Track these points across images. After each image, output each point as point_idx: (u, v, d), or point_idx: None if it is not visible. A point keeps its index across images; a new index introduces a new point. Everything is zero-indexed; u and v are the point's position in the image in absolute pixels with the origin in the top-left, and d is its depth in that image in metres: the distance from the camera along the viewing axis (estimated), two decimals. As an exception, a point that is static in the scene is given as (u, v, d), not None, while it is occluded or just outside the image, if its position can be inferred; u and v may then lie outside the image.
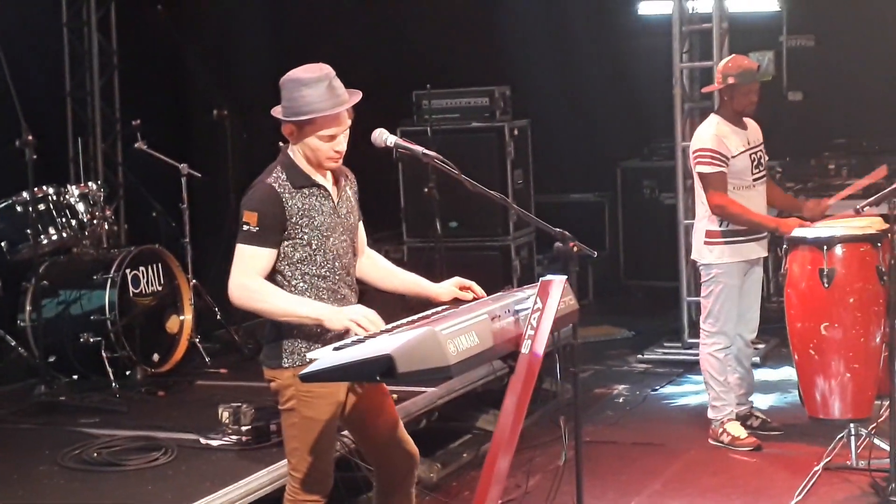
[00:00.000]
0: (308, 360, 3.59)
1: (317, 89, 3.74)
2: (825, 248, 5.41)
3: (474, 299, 3.99)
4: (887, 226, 5.32)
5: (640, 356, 8.24)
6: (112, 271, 6.42)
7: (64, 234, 6.76)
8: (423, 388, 5.74)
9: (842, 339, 5.40)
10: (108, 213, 7.11)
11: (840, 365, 5.43)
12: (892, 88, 7.92)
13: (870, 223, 5.52)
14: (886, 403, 5.30)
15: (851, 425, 5.50)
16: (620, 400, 7.28)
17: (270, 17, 9.61)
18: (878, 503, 5.05)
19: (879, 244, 5.37)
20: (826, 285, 5.38)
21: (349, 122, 3.83)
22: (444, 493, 5.54)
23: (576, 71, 9.92)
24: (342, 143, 3.83)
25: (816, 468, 5.39)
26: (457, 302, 3.98)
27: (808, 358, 5.51)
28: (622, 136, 10.03)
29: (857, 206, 5.58)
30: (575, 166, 10.09)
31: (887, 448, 5.11)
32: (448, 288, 4.02)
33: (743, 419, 6.12)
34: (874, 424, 5.54)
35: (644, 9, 9.75)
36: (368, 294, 4.22)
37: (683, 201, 7.86)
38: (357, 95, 3.83)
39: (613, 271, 10.11)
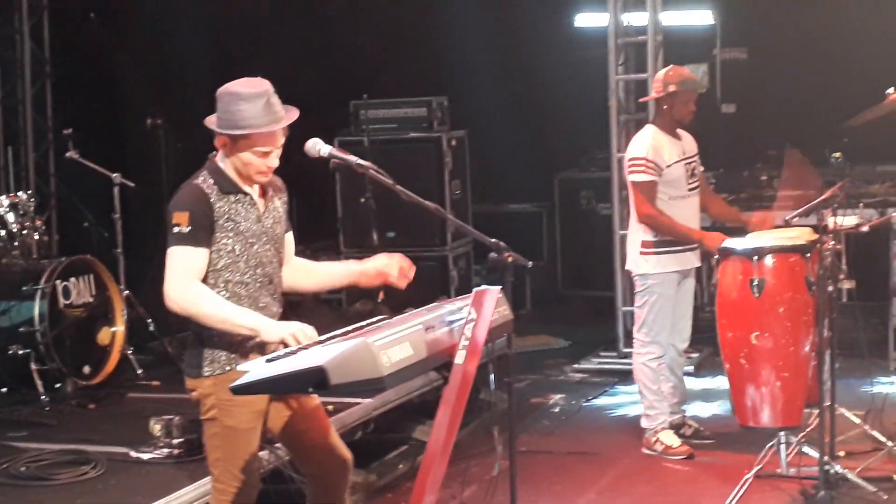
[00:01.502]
0: (228, 369, 3.60)
1: (255, 105, 3.73)
2: (755, 258, 5.47)
3: (403, 276, 4.03)
4: (816, 236, 5.40)
5: (576, 366, 8.29)
6: (42, 282, 6.34)
7: (-8, 245, 6.71)
8: (358, 400, 5.71)
9: (772, 348, 5.46)
10: (38, 223, 7.03)
11: (770, 374, 5.48)
12: (823, 101, 8.05)
13: (799, 234, 5.60)
14: (816, 412, 5.38)
15: (781, 433, 5.55)
16: (556, 409, 7.31)
17: (207, 26, 9.56)
18: None
19: (808, 255, 5.44)
20: (756, 295, 5.43)
21: (283, 140, 3.82)
22: (379, 502, 5.54)
23: (514, 82, 9.99)
24: (274, 160, 3.82)
25: (747, 476, 5.42)
26: (387, 282, 4.02)
27: (739, 367, 5.57)
28: (560, 146, 10.12)
29: (787, 217, 5.66)
30: (513, 177, 10.12)
31: (816, 456, 5.18)
32: (373, 266, 4.03)
33: (676, 428, 6.18)
34: (804, 433, 5.59)
35: (580, 21, 9.85)
36: (304, 306, 4.22)
37: (619, 212, 7.93)
38: (294, 113, 3.83)
39: (551, 281, 10.16)
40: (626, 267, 6.35)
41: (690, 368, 7.18)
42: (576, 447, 6.40)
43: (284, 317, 3.97)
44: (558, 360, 8.49)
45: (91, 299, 6.61)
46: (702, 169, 6.26)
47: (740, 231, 5.99)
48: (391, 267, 4.00)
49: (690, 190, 6.08)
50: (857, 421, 5.98)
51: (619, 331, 8.29)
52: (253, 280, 3.85)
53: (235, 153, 3.78)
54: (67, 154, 7.47)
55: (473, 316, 3.74)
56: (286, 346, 3.59)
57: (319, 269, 4.21)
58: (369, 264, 4.02)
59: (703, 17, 9.67)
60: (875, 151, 7.34)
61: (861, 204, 6.84)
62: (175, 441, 5.09)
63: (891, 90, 5.74)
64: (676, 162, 6.00)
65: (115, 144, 8.27)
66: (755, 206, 6.65)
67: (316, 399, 4.04)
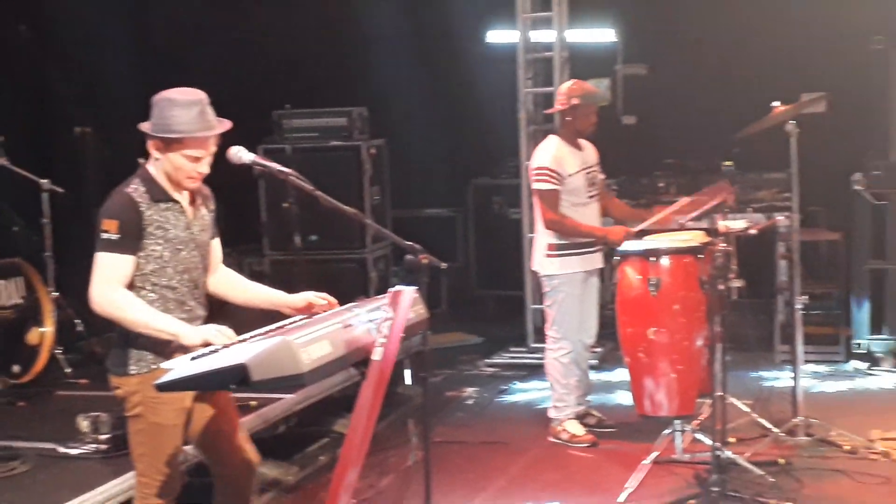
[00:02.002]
0: (154, 368, 3.56)
1: (189, 112, 3.71)
2: (652, 259, 5.56)
3: (329, 307, 3.97)
4: (708, 239, 5.49)
5: (488, 360, 8.31)
6: (-29, 285, 6.24)
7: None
8: (281, 395, 5.67)
9: (668, 342, 5.53)
10: (-32, 228, 6.90)
11: (666, 366, 5.55)
12: (716, 114, 8.17)
13: (693, 237, 5.67)
14: (708, 401, 5.48)
15: (677, 422, 5.63)
16: (470, 402, 7.32)
17: (134, 39, 9.44)
18: (701, 493, 5.14)
19: (701, 256, 5.52)
20: (653, 293, 5.52)
21: (214, 149, 3.80)
22: (301, 494, 5.49)
23: (430, 94, 9.97)
24: (205, 166, 3.80)
25: (645, 462, 5.48)
26: (312, 312, 3.96)
27: (638, 360, 5.64)
28: (473, 155, 10.16)
29: (681, 221, 5.74)
30: (429, 183, 10.13)
31: (709, 442, 5.25)
32: (301, 297, 3.99)
33: (581, 418, 6.22)
34: (697, 421, 5.69)
35: (491, 37, 9.87)
36: (228, 308, 4.18)
37: (528, 216, 7.96)
38: (227, 124, 3.81)
39: (465, 281, 10.18)
40: (533, 268, 6.40)
41: (594, 362, 7.22)
42: (488, 437, 6.41)
43: (213, 313, 3.95)
44: (472, 355, 8.51)
45: (20, 301, 6.48)
46: (602, 177, 6.32)
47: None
48: (317, 300, 3.95)
49: (590, 197, 6.15)
50: (746, 409, 6.08)
51: (529, 327, 8.34)
52: (180, 284, 3.82)
53: (167, 157, 3.74)
54: (-1, 160, 7.35)
55: (390, 315, 3.74)
56: (210, 344, 3.57)
57: (250, 287, 4.15)
58: (298, 298, 3.97)
59: (605, 35, 9.76)
60: (762, 160, 7.46)
61: (749, 209, 6.97)
62: (102, 437, 5.01)
63: (776, 104, 5.86)
64: (577, 172, 6.06)
65: (45, 152, 8.10)
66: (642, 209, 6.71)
67: (231, 402, 4.02)
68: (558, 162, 6.00)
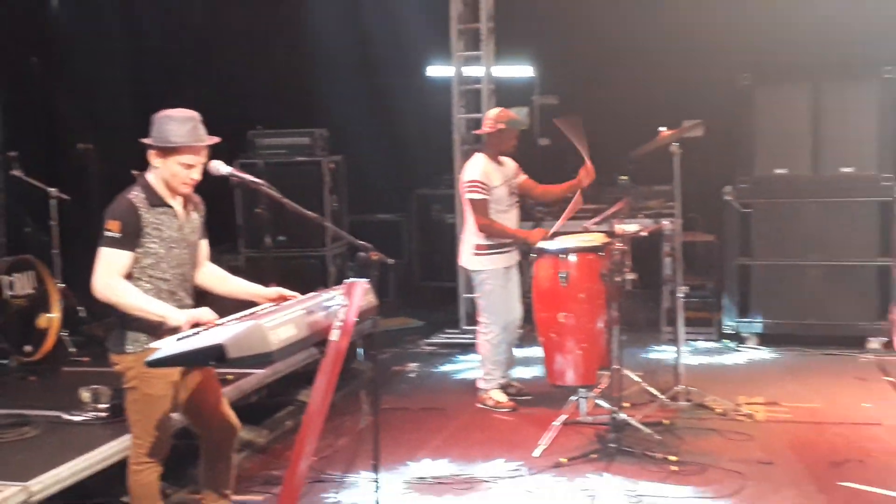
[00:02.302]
0: (147, 347, 3.52)
1: (184, 126, 3.72)
2: (563, 256, 5.59)
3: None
4: (608, 240, 5.54)
5: (427, 341, 8.28)
6: (-9, 277, 6.10)
7: (-53, 248, 6.45)
8: (254, 370, 5.59)
9: (574, 325, 5.55)
10: (-13, 229, 6.80)
11: (573, 344, 5.57)
12: (614, 136, 8.04)
13: (595, 238, 5.70)
14: (607, 373, 5.52)
15: (581, 390, 5.68)
16: (412, 375, 7.30)
17: (130, 68, 9.31)
18: (601, 448, 5.19)
19: (602, 253, 5.54)
20: (563, 284, 5.55)
21: (205, 159, 3.79)
22: (270, 454, 5.44)
23: (380, 117, 9.94)
24: (197, 173, 3.79)
25: (556, 423, 5.53)
26: (281, 300, 3.95)
27: (550, 340, 5.65)
28: (415, 169, 10.09)
29: (586, 225, 5.80)
30: (379, 193, 10.04)
31: (608, 406, 5.33)
32: (270, 290, 3.98)
33: (504, 388, 6.25)
34: (598, 389, 5.73)
35: (431, 72, 9.88)
36: (211, 297, 4.15)
37: (460, 221, 7.96)
38: (215, 139, 3.81)
39: (409, 275, 10.13)
40: (461, 264, 6.39)
41: (518, 341, 7.25)
42: (427, 404, 6.40)
43: (198, 302, 3.92)
44: (414, 336, 8.47)
45: (32, 291, 6.35)
46: (523, 178, 6.32)
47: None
48: (281, 295, 3.94)
49: (510, 206, 6.18)
50: (638, 380, 6.15)
51: (461, 313, 8.33)
52: (173, 277, 3.80)
53: (165, 165, 3.73)
54: (12, 172, 7.23)
55: (345, 302, 3.74)
56: (196, 327, 3.55)
57: (231, 281, 4.12)
58: (271, 291, 3.96)
59: (524, 71, 9.78)
60: (651, 175, 7.50)
61: (641, 215, 7.04)
62: (101, 406, 4.93)
63: (663, 129, 5.92)
64: (501, 184, 6.08)
65: (53, 165, 7.96)
66: (560, 214, 6.70)
67: (214, 377, 4.00)
68: (486, 175, 6.01)
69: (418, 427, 5.85)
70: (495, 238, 6.03)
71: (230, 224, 8.61)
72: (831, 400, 6.14)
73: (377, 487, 4.26)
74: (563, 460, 5.10)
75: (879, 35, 7.53)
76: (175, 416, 4.00)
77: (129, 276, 3.70)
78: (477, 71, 8.31)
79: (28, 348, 6.22)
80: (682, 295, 6.19)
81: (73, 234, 6.97)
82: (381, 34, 9.77)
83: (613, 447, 5.11)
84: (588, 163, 6.15)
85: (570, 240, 5.69)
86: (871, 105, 7.37)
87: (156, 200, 3.76)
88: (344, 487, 4.75)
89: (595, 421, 5.61)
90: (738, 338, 7.77)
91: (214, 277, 4.08)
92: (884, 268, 7.32)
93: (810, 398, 6.18)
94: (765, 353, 7.50)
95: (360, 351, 6.58)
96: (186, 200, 3.88)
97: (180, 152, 3.71)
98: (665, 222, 6.56)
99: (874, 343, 7.25)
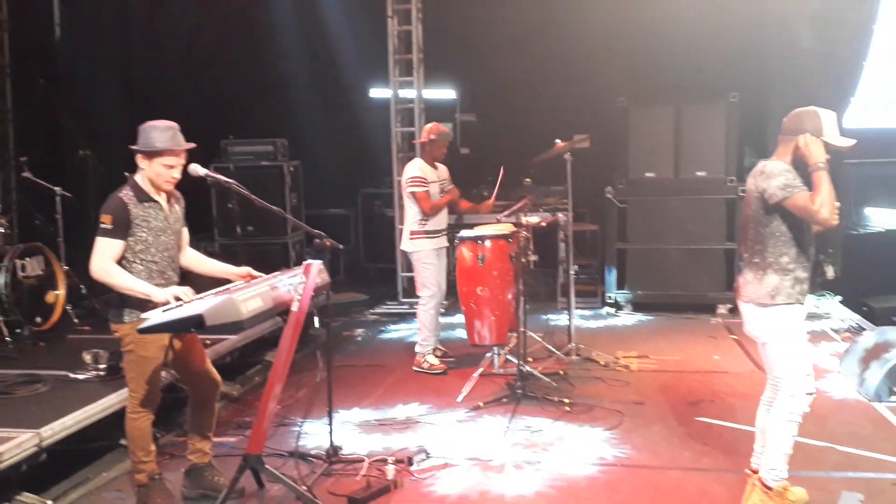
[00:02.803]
0: (141, 317, 3.46)
1: (165, 133, 3.66)
2: (480, 242, 5.57)
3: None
4: (515, 229, 5.57)
5: (371, 311, 8.23)
6: (6, 261, 5.88)
7: (-32, 237, 6.20)
8: (228, 336, 5.54)
9: (489, 296, 5.54)
10: (3, 221, 6.55)
11: (489, 312, 5.56)
12: (520, 146, 8.17)
13: (505, 227, 5.69)
14: (515, 334, 5.57)
15: (495, 348, 5.71)
16: (359, 339, 7.25)
17: (122, 87, 9.07)
18: (510, 393, 5.23)
19: (511, 240, 5.56)
20: (481, 264, 5.54)
21: (184, 161, 3.72)
22: (242, 403, 5.39)
23: (332, 130, 9.80)
24: (177, 173, 3.72)
25: (475, 375, 5.56)
26: (250, 278, 3.91)
27: (470, 308, 5.63)
28: (361, 172, 10.01)
29: (498, 217, 5.83)
30: (332, 191, 9.91)
31: (516, 361, 5.37)
32: (241, 270, 3.93)
33: (433, 350, 6.16)
34: (508, 347, 5.77)
35: (373, 93, 9.82)
36: (192, 276, 4.09)
37: (398, 214, 7.95)
38: (192, 145, 3.74)
39: (356, 258, 10.05)
40: (401, 247, 6.31)
41: (444, 311, 7.25)
42: (371, 362, 6.36)
43: (182, 280, 3.87)
44: (360, 308, 8.41)
45: (41, 272, 6.16)
46: (449, 187, 6.31)
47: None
48: (250, 273, 3.88)
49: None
50: (539, 339, 6.23)
51: (399, 288, 8.32)
52: (161, 259, 3.73)
53: (150, 166, 3.66)
54: (23, 174, 6.99)
55: (303, 280, 3.73)
56: (178, 300, 3.50)
57: (208, 262, 4.06)
58: (242, 270, 3.89)
59: (448, 93, 9.82)
60: (550, 177, 7.56)
61: (541, 209, 7.09)
62: (100, 367, 4.85)
63: (558, 140, 5.98)
64: (434, 183, 6.01)
65: (57, 168, 7.74)
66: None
67: (198, 340, 3.94)
68: (424, 173, 5.94)
69: (364, 380, 5.82)
70: (434, 219, 5.92)
71: (207, 216, 8.46)
72: (689, 353, 6.28)
73: (331, 428, 4.30)
74: (481, 404, 5.13)
75: (726, 67, 7.73)
76: (164, 373, 3.95)
77: (125, 260, 3.63)
78: (410, 93, 8.28)
79: (38, 320, 6.06)
80: (573, 272, 6.25)
81: (75, 226, 6.78)
82: (333, 62, 9.65)
83: (520, 393, 5.17)
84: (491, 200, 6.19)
85: (486, 229, 5.68)
86: (720, 123, 7.51)
87: (143, 197, 3.69)
88: (304, 429, 4.71)
89: (506, 372, 5.64)
90: (616, 305, 7.87)
91: (194, 259, 4.02)
92: (729, 250, 7.50)
93: (673, 352, 6.30)
94: (637, 318, 7.63)
95: (316, 319, 6.56)
96: (169, 196, 3.81)
97: (163, 155, 3.65)
98: (560, 215, 6.62)
99: (722, 309, 7.46)
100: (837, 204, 3.29)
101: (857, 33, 7.19)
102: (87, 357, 4.93)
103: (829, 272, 7.98)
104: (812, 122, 3.38)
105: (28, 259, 6.08)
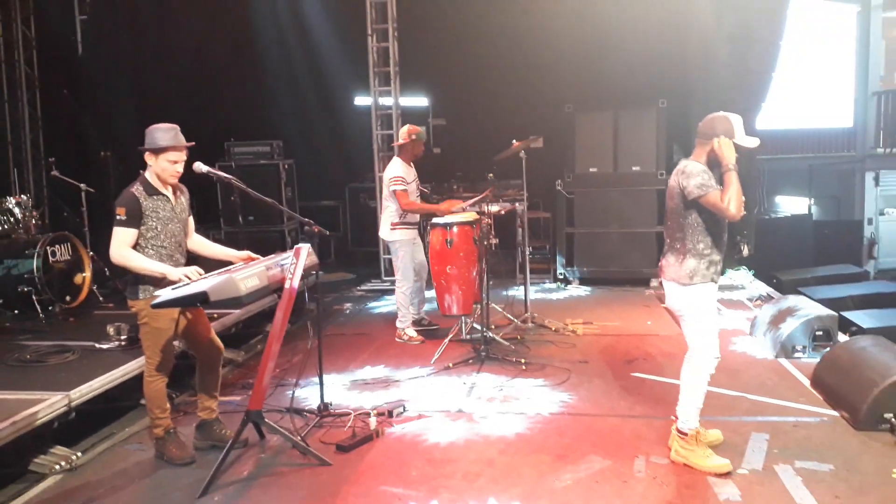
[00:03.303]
0: (153, 294, 3.44)
1: (168, 133, 3.61)
2: (449, 227, 5.54)
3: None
4: (478, 217, 5.54)
5: (358, 288, 8.22)
6: (38, 248, 5.81)
7: (5, 227, 6.11)
8: (231, 311, 5.48)
9: (457, 274, 5.52)
10: (35, 214, 6.45)
11: (456, 287, 5.54)
12: (484, 146, 8.15)
13: (470, 216, 5.64)
14: (479, 306, 5.56)
15: (463, 317, 5.71)
16: (347, 311, 7.23)
17: (136, 96, 8.95)
18: (475, 355, 5.19)
19: (474, 225, 5.54)
20: (449, 247, 5.51)
21: (185, 157, 3.68)
22: (246, 368, 5.37)
23: (322, 132, 9.72)
24: (180, 168, 3.68)
25: (446, 340, 5.58)
26: (249, 260, 3.89)
27: (441, 284, 5.60)
28: (348, 169, 9.96)
29: (463, 206, 5.82)
30: (322, 186, 9.86)
31: (480, 328, 5.39)
32: (241, 253, 3.90)
33: (419, 322, 6.07)
34: (474, 317, 5.75)
35: (357, 101, 9.75)
36: (201, 259, 4.06)
37: (379, 206, 7.87)
38: (191, 143, 3.70)
39: (345, 242, 10.03)
40: (380, 235, 6.12)
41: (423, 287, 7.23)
42: (357, 331, 6.35)
43: (189, 262, 3.83)
44: (348, 285, 8.39)
45: (69, 257, 6.09)
46: (419, 183, 6.22)
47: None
48: (249, 256, 3.85)
49: (417, 196, 5.98)
50: (500, 310, 6.22)
51: (381, 268, 8.30)
52: (170, 245, 3.70)
53: (157, 162, 3.62)
54: (52, 172, 6.91)
55: (294, 261, 3.72)
56: (189, 279, 3.48)
57: (213, 247, 4.00)
58: (242, 253, 3.86)
59: (422, 101, 9.78)
60: (509, 172, 7.58)
61: (502, 200, 7.11)
62: (122, 338, 4.81)
63: (514, 140, 5.97)
64: (412, 181, 5.91)
65: (82, 167, 7.67)
66: (446, 199, 6.69)
67: (204, 313, 3.92)
68: (405, 172, 5.82)
69: (351, 347, 5.82)
70: (416, 213, 5.83)
71: (214, 208, 8.42)
72: (626, 320, 6.34)
73: (322, 388, 4.30)
74: (451, 364, 5.15)
75: (656, 78, 7.76)
76: (176, 343, 3.93)
77: (138, 246, 3.59)
78: (389, 101, 8.22)
79: (68, 298, 6.00)
80: (528, 252, 6.29)
81: (98, 217, 6.72)
82: (322, 74, 9.54)
83: (484, 355, 5.19)
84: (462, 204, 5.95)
85: (454, 217, 5.64)
86: (651, 125, 7.55)
87: (152, 190, 3.65)
88: (299, 389, 4.72)
89: (471, 338, 5.66)
90: (566, 280, 7.91)
91: (200, 244, 3.98)
92: (660, 233, 7.41)
93: (613, 319, 6.37)
94: (583, 291, 7.68)
95: (307, 295, 6.50)
96: (175, 189, 3.76)
97: (167, 151, 3.61)
98: (517, 205, 6.60)
99: (654, 282, 7.53)
100: (743, 199, 3.34)
101: (767, 48, 7.26)
102: (111, 329, 4.90)
103: (745, 250, 8.11)
104: (723, 125, 3.42)
105: (57, 246, 6.01)
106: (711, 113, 3.50)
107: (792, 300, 5.53)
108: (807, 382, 4.56)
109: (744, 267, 7.89)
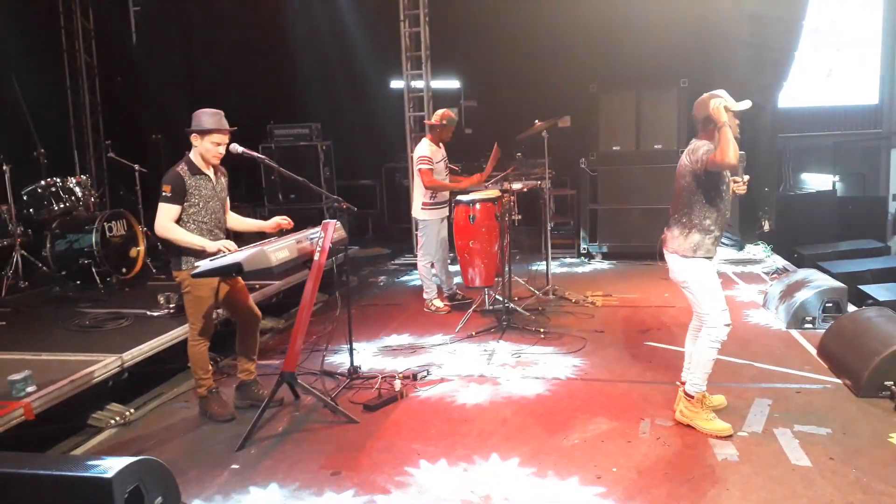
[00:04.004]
0: (195, 265, 3.56)
1: (213, 117, 3.73)
2: (472, 204, 5.57)
3: (288, 226, 3.97)
4: (499, 194, 5.55)
5: (392, 262, 8.32)
6: (96, 223, 6.04)
7: (67, 205, 6.35)
8: (272, 282, 5.68)
9: (480, 249, 5.57)
10: (94, 192, 6.71)
11: (479, 261, 5.59)
12: (512, 126, 8.13)
13: (492, 193, 5.66)
14: (499, 279, 5.61)
15: (486, 289, 5.77)
16: (382, 284, 7.35)
17: (185, 82, 9.18)
18: (497, 325, 5.30)
19: (496, 202, 5.55)
20: (472, 222, 5.55)
21: (227, 140, 3.79)
22: (286, 335, 5.51)
23: (359, 115, 9.80)
24: (223, 150, 3.79)
25: (469, 311, 5.66)
26: (280, 228, 3.96)
27: (465, 259, 5.66)
28: (384, 149, 10.00)
29: (486, 184, 5.84)
30: (359, 166, 9.94)
31: (501, 299, 5.45)
32: (272, 220, 3.99)
33: (452, 297, 6.11)
34: (496, 289, 5.78)
35: (393, 85, 9.79)
36: (245, 236, 4.20)
37: (412, 184, 7.95)
38: (234, 128, 3.81)
39: (382, 219, 10.10)
40: (412, 214, 6.14)
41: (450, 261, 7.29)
42: (390, 301, 6.47)
43: (228, 235, 3.96)
44: (384, 259, 8.50)
45: (125, 232, 6.31)
46: (448, 163, 6.23)
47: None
48: (282, 221, 3.95)
49: (445, 175, 5.98)
50: (523, 282, 6.27)
51: (414, 244, 8.34)
52: (210, 220, 3.81)
53: (202, 143, 3.73)
54: (109, 154, 7.16)
55: (322, 235, 3.84)
56: (227, 251, 3.61)
57: (246, 221, 4.11)
58: (270, 222, 3.96)
59: (454, 83, 9.78)
60: (537, 151, 7.51)
61: (527, 177, 7.11)
62: (171, 306, 5.02)
63: (537, 121, 5.97)
64: (439, 161, 5.91)
65: (136, 149, 7.90)
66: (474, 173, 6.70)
67: (243, 283, 4.04)
68: (432, 153, 5.82)
69: (384, 316, 5.93)
70: (440, 191, 5.86)
71: (258, 188, 8.60)
72: (645, 292, 6.33)
73: (351, 353, 4.43)
74: (473, 333, 5.22)
75: (678, 58, 7.62)
76: (219, 311, 4.09)
77: (181, 221, 3.71)
78: (420, 84, 8.24)
79: (124, 270, 6.23)
80: (550, 228, 6.27)
81: (151, 195, 6.93)
82: (359, 60, 9.58)
83: (505, 324, 5.24)
84: (485, 173, 5.98)
85: (477, 195, 5.68)
86: (672, 104, 7.44)
87: (195, 170, 3.76)
88: (333, 354, 4.85)
89: (494, 309, 5.72)
90: (589, 255, 7.91)
91: (236, 220, 4.10)
92: None
93: (632, 291, 6.37)
94: (605, 265, 7.68)
95: (335, 269, 6.64)
96: (216, 170, 3.87)
97: (211, 133, 3.72)
98: (539, 182, 6.60)
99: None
100: (744, 172, 3.33)
101: (789, 27, 7.04)
102: (161, 299, 5.10)
103: (766, 226, 7.97)
104: (714, 102, 3.43)
105: (114, 222, 6.23)
106: (733, 92, 3.48)
107: (804, 273, 5.45)
108: (814, 352, 4.52)
109: (763, 242, 7.76)
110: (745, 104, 3.42)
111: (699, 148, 3.45)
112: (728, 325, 3.54)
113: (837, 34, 8.38)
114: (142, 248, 6.43)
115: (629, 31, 7.79)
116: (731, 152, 3.30)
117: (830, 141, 9.45)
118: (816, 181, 9.68)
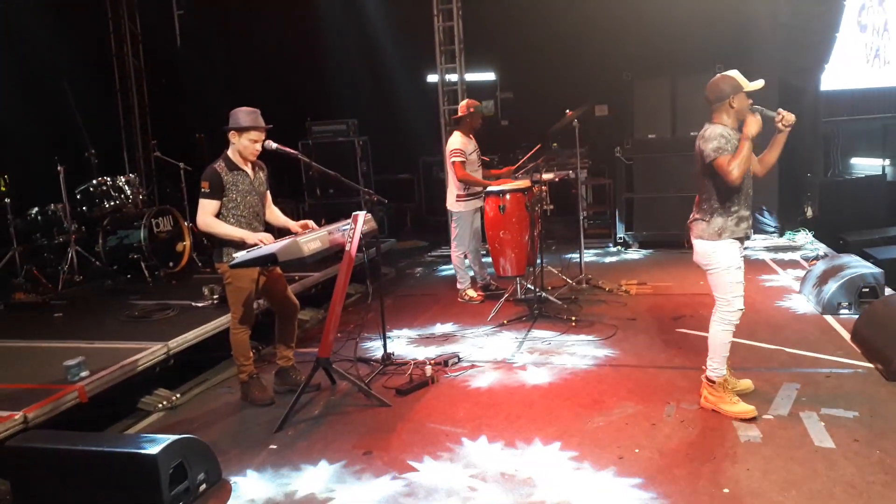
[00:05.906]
0: (234, 257, 3.72)
1: (250, 116, 3.87)
2: (502, 195, 5.60)
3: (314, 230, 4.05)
4: (529, 184, 5.61)
5: (428, 254, 8.40)
6: (145, 220, 6.31)
7: (117, 202, 6.63)
8: (311, 273, 5.84)
9: (510, 239, 5.60)
10: (142, 190, 7.00)
11: (510, 251, 5.63)
12: (546, 118, 8.11)
13: (523, 183, 5.69)
14: (531, 269, 5.66)
15: (518, 279, 5.81)
16: (418, 275, 7.44)
17: (227, 85, 9.41)
18: (529, 313, 5.32)
19: (526, 193, 5.57)
20: (502, 213, 5.57)
21: (264, 137, 3.92)
22: (323, 323, 5.63)
23: (395, 109, 9.88)
24: (259, 147, 3.92)
25: (501, 300, 5.74)
26: (305, 227, 4.04)
27: (496, 249, 5.68)
28: (420, 142, 10.09)
29: (515, 175, 5.90)
30: (396, 159, 10.04)
31: (532, 288, 5.52)
32: (301, 223, 4.10)
33: (486, 287, 6.17)
34: (528, 278, 5.82)
35: (429, 79, 9.91)
36: (273, 229, 4.38)
37: (447, 177, 8.04)
38: (269, 126, 3.94)
39: (420, 212, 10.20)
40: (447, 206, 6.18)
41: (484, 252, 7.06)
42: (425, 292, 6.56)
43: (267, 229, 4.08)
44: (421, 251, 8.59)
45: (171, 228, 6.58)
46: (480, 154, 6.22)
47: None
48: (306, 225, 4.06)
49: (478, 167, 6.03)
50: (556, 272, 6.31)
51: (451, 237, 8.42)
52: (248, 214, 3.96)
53: (239, 140, 3.87)
54: (155, 153, 7.46)
55: (353, 227, 3.99)
56: (263, 243, 3.77)
57: (279, 218, 4.19)
58: (299, 223, 4.05)
59: (489, 76, 9.85)
60: (570, 142, 7.57)
61: (555, 167, 7.11)
62: (215, 297, 5.24)
63: (568, 110, 5.99)
64: (472, 153, 5.95)
65: (181, 148, 8.19)
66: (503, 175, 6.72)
67: (281, 274, 4.17)
68: (463, 145, 5.86)
69: (419, 306, 6.04)
70: (471, 186, 5.91)
71: (299, 183, 8.85)
72: (680, 280, 6.30)
73: (385, 341, 4.58)
74: (505, 322, 5.28)
75: (713, 41, 7.53)
76: (260, 301, 4.26)
77: (220, 215, 3.86)
78: (454, 77, 8.34)
79: (171, 264, 6.48)
80: (584, 217, 6.28)
81: (195, 192, 7.20)
82: (394, 56, 9.71)
83: (536, 313, 5.30)
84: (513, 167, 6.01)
85: (507, 185, 5.72)
86: (708, 89, 7.39)
87: (233, 166, 3.91)
88: (370, 342, 5.01)
89: (526, 298, 5.77)
90: (625, 244, 7.89)
91: (274, 215, 4.23)
92: None
93: (667, 279, 6.34)
94: (642, 253, 7.65)
95: (366, 262, 6.75)
96: (254, 165, 4.02)
97: (248, 131, 3.86)
98: (570, 172, 6.54)
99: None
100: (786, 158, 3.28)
101: (829, 7, 6.88)
102: (206, 290, 5.33)
103: (808, 212, 7.82)
104: (729, 83, 3.44)
105: (161, 218, 6.49)
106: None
107: (843, 259, 5.37)
108: (848, 337, 4.48)
109: (805, 228, 7.62)
110: (759, 83, 3.43)
111: (709, 140, 3.44)
112: (741, 309, 3.56)
113: (886, 13, 8.13)
114: (187, 242, 6.68)
115: (662, 17, 7.73)
116: (738, 171, 3.31)
117: (880, 124, 9.17)
118: (866, 165, 9.40)
